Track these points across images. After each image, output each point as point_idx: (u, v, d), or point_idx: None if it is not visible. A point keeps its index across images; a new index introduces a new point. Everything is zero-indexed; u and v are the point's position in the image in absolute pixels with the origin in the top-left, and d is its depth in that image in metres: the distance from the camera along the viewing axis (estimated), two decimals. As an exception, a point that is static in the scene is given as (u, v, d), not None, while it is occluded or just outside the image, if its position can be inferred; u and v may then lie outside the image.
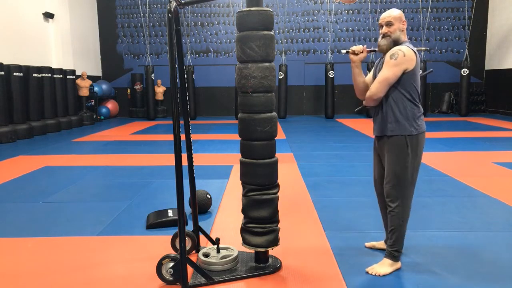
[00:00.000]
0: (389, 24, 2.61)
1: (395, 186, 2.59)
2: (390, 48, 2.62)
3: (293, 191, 4.58)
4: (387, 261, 2.66)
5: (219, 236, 2.83)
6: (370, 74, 2.85)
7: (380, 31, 2.66)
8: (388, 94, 2.58)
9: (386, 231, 2.85)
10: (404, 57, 2.49)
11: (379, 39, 2.68)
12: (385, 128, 2.62)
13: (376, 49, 2.74)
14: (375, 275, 2.59)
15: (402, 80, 2.54)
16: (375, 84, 2.57)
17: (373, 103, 2.63)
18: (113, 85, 13.85)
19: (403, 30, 2.62)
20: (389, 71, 2.52)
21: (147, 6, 13.86)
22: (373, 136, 2.80)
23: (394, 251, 2.65)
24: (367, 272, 2.63)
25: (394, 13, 2.62)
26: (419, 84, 2.60)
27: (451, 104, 13.62)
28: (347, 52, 2.78)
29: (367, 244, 3.07)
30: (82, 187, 4.91)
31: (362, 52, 2.71)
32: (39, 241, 3.28)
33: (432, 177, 5.16)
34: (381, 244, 3.05)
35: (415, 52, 2.54)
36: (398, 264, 2.69)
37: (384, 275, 2.59)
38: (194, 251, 2.92)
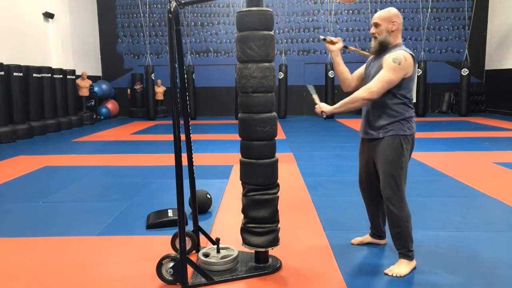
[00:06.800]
0: (376, 25, 2.59)
1: (394, 188, 2.57)
2: (377, 51, 2.61)
3: (293, 191, 4.57)
4: (403, 261, 2.63)
5: (219, 236, 2.82)
6: (360, 70, 2.88)
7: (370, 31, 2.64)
8: (383, 96, 2.54)
9: (372, 224, 2.99)
10: (405, 61, 2.47)
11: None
12: (380, 130, 2.60)
13: (350, 47, 2.97)
14: (396, 276, 2.55)
15: (400, 84, 2.52)
16: (378, 83, 2.48)
17: (367, 101, 2.55)
18: (113, 85, 13.84)
19: (393, 31, 2.56)
20: (393, 74, 2.46)
21: (147, 6, 13.86)
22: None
23: (407, 252, 2.62)
24: (386, 274, 2.59)
25: (383, 13, 2.59)
26: (414, 86, 2.60)
27: (451, 104, 13.62)
28: (324, 39, 2.88)
29: (354, 241, 3.08)
30: (82, 187, 4.91)
31: (337, 42, 2.85)
32: (39, 241, 3.28)
33: (432, 177, 5.16)
34: (367, 238, 3.07)
35: (412, 56, 2.52)
36: (414, 262, 2.66)
37: (405, 275, 2.56)
38: (194, 251, 2.91)
